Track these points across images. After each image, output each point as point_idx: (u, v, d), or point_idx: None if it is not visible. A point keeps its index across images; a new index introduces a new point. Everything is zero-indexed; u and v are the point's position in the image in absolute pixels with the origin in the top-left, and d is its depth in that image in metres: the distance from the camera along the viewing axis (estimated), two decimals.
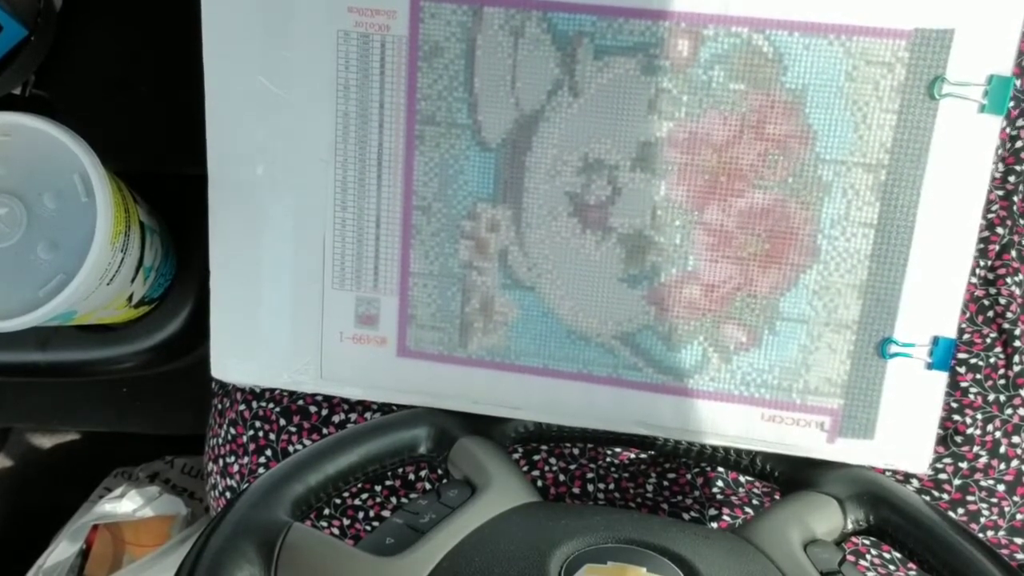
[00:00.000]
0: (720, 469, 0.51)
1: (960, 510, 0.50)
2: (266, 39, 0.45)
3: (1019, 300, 0.50)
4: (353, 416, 0.53)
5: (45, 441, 0.99)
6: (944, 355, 0.43)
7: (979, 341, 0.50)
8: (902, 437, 0.44)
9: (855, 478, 0.43)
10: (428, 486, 0.52)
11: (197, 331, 0.50)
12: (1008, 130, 0.50)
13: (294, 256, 0.47)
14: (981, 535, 0.50)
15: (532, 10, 0.43)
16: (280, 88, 0.46)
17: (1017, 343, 0.50)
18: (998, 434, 0.50)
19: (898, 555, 0.50)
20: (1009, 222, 0.50)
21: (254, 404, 0.54)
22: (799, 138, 0.43)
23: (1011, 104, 0.49)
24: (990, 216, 0.50)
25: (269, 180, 0.47)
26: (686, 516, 0.50)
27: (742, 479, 0.52)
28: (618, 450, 0.52)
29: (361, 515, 0.52)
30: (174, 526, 0.83)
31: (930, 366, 0.44)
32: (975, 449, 0.50)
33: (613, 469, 0.52)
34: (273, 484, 0.38)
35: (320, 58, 0.45)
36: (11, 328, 0.42)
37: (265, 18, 0.45)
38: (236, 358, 0.49)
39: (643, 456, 0.52)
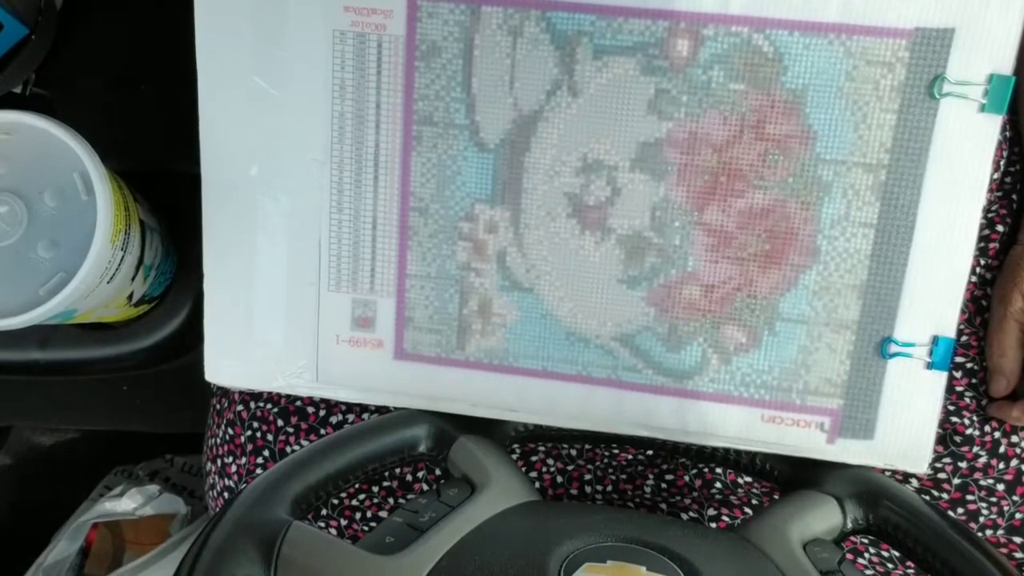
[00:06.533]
0: (719, 470, 0.51)
1: (959, 509, 0.50)
2: (260, 38, 0.45)
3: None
4: (351, 417, 0.53)
5: (45, 439, 0.99)
6: (944, 355, 0.43)
7: (975, 344, 0.50)
8: (902, 437, 0.44)
9: (854, 477, 0.43)
10: (426, 487, 0.52)
11: (197, 330, 0.50)
12: (1007, 129, 0.50)
13: (289, 258, 0.47)
14: (980, 534, 0.50)
15: (531, 9, 0.43)
16: (274, 88, 0.46)
17: None
18: (997, 434, 0.50)
19: (896, 553, 0.50)
20: (1009, 220, 0.50)
21: (252, 405, 0.54)
22: (799, 138, 0.43)
23: None
24: (990, 215, 0.50)
25: (263, 181, 0.47)
26: (685, 516, 0.50)
27: (740, 480, 0.52)
28: (616, 451, 0.52)
29: (359, 516, 0.52)
30: (174, 525, 0.83)
31: (930, 366, 0.44)
32: (974, 449, 0.49)
33: (611, 470, 0.52)
34: (273, 482, 0.38)
35: (315, 58, 0.45)
36: (11, 326, 0.42)
37: (259, 17, 0.45)
38: (230, 361, 0.49)
39: (641, 457, 0.52)
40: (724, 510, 0.50)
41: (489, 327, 0.46)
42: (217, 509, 0.54)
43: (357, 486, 0.51)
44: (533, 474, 0.52)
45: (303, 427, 0.53)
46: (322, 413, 0.53)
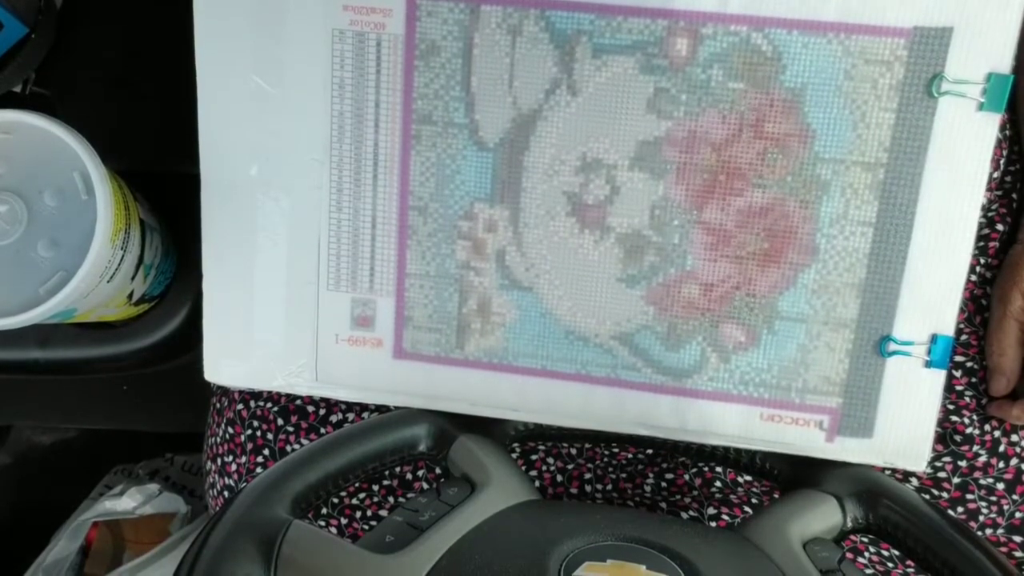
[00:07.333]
0: (718, 469, 0.51)
1: (959, 508, 0.50)
2: (260, 37, 0.45)
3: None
4: (351, 416, 0.53)
5: (45, 439, 0.99)
6: (943, 353, 0.43)
7: (975, 343, 0.50)
8: (901, 435, 0.44)
9: (854, 476, 0.43)
10: (426, 486, 0.52)
11: (197, 329, 0.50)
12: (1007, 128, 0.50)
13: (288, 257, 0.47)
14: (980, 533, 0.50)
15: (530, 8, 0.43)
16: (274, 87, 0.46)
17: None
18: (997, 433, 0.50)
19: (896, 552, 0.50)
20: (1009, 219, 0.50)
21: (252, 403, 0.54)
22: (798, 137, 0.43)
23: None
24: (990, 214, 0.50)
25: (263, 180, 0.47)
26: (685, 515, 0.50)
27: (740, 479, 0.52)
28: (616, 450, 0.52)
29: (359, 514, 0.52)
30: (174, 524, 0.83)
31: (929, 364, 0.44)
32: (974, 448, 0.50)
33: (611, 469, 0.52)
34: (273, 481, 0.38)
35: (314, 57, 0.45)
36: (11, 325, 0.42)
37: (258, 16, 0.45)
38: (229, 360, 0.49)
39: (641, 456, 0.52)
40: (724, 509, 0.50)
41: (488, 326, 0.46)
42: (217, 508, 0.54)
43: (357, 485, 0.51)
44: (533, 473, 0.52)
45: (303, 426, 0.53)
46: (322, 412, 0.53)
